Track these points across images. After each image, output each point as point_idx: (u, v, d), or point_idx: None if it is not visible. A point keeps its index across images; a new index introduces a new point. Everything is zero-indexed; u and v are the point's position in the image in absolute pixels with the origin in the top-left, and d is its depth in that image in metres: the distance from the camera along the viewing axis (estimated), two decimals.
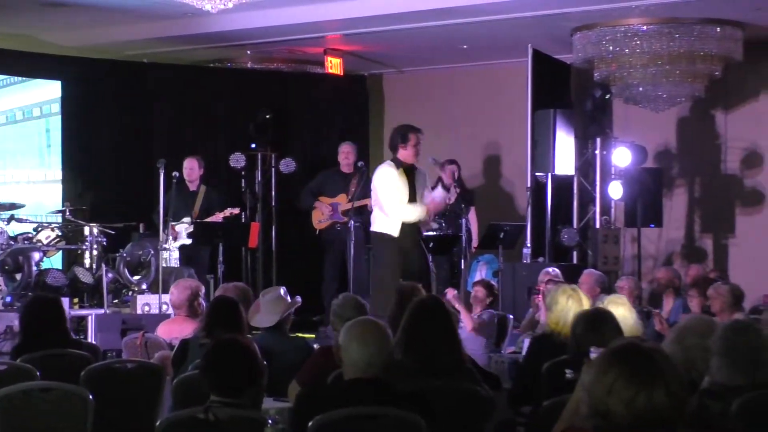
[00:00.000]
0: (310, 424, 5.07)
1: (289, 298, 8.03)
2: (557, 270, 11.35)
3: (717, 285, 9.63)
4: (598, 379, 3.55)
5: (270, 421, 5.23)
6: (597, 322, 6.12)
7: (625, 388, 3.49)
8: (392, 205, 10.38)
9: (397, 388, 5.33)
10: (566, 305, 7.20)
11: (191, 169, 13.85)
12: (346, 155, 14.33)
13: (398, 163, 10.51)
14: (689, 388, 3.70)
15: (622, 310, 6.90)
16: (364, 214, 12.92)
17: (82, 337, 11.40)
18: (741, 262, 14.67)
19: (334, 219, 14.07)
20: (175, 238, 13.35)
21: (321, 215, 14.13)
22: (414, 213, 10.41)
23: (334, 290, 13.20)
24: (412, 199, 10.51)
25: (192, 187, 13.86)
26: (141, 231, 13.91)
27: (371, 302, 10.04)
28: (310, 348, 7.86)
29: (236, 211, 13.93)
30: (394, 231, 10.42)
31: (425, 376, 5.88)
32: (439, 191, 10.79)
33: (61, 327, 7.70)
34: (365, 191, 12.46)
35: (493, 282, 11.81)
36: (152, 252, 12.86)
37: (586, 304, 7.29)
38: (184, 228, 13.43)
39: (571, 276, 11.11)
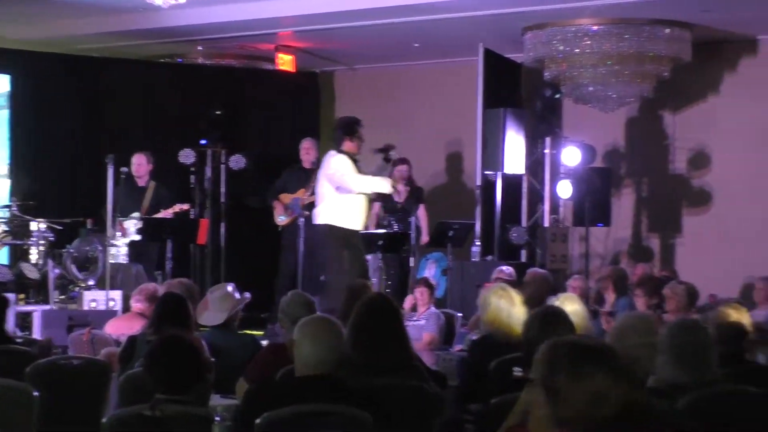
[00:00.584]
0: (257, 421, 5.06)
1: (237, 294, 8.02)
2: (511, 269, 11.38)
3: (673, 284, 9.70)
4: (549, 375, 3.53)
5: (217, 418, 5.23)
6: (551, 320, 6.14)
7: (574, 379, 3.48)
8: (353, 180, 10.76)
9: (347, 386, 5.33)
10: (498, 304, 7.23)
11: (140, 164, 13.77)
12: (307, 151, 14.23)
13: (345, 155, 10.74)
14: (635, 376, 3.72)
15: (574, 308, 6.93)
16: None
17: (27, 333, 11.32)
18: (688, 261, 14.77)
19: (296, 214, 13.93)
20: (123, 235, 13.27)
21: (282, 211, 14.01)
22: (377, 185, 11.01)
23: (287, 288, 13.16)
24: None
25: (141, 183, 13.78)
26: (88, 227, 13.81)
27: (329, 297, 10.09)
28: (258, 345, 7.85)
29: (186, 207, 13.87)
30: (346, 223, 10.59)
31: (373, 374, 5.88)
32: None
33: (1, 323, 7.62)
34: None
35: (433, 281, 11.84)
36: (100, 248, 12.79)
37: (518, 302, 7.31)
38: (132, 224, 13.34)
39: (520, 275, 11.15)
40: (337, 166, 10.87)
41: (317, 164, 13.70)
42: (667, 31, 13.60)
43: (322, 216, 10.94)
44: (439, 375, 7.04)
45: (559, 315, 6.27)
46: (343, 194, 10.91)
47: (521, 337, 7.00)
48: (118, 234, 13.10)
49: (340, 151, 10.84)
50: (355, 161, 10.92)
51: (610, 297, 10.24)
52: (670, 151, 15.25)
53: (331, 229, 10.76)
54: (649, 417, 4.79)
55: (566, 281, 12.06)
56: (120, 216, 13.10)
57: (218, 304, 7.84)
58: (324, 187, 10.98)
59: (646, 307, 9.62)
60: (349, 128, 10.93)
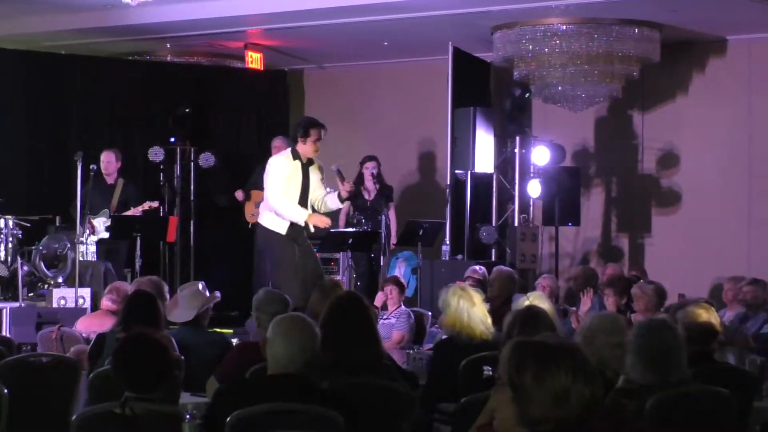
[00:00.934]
0: (228, 419, 5.05)
1: (207, 292, 8.01)
2: (483, 269, 11.39)
3: (642, 284, 9.72)
4: (515, 375, 3.54)
5: (188, 416, 5.22)
6: (531, 320, 6.15)
7: (538, 378, 3.49)
8: (274, 194, 10.54)
9: (316, 385, 5.33)
10: (458, 305, 7.24)
11: (108, 162, 13.72)
12: (278, 149, 14.07)
13: (295, 155, 10.59)
14: (605, 387, 3.73)
15: (543, 307, 6.95)
16: None
17: None
18: (657, 261, 14.83)
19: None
20: (93, 232, 13.22)
21: (254, 209, 13.90)
22: (292, 213, 10.57)
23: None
24: (304, 192, 10.69)
25: (109, 181, 13.73)
26: (57, 224, 13.76)
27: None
28: (227, 343, 7.86)
29: (155, 204, 13.85)
30: (282, 228, 10.52)
31: (343, 373, 5.88)
32: (333, 198, 10.85)
33: None
34: None
35: (403, 280, 11.85)
36: (69, 245, 12.73)
37: (478, 302, 7.32)
38: (102, 222, 13.30)
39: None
40: (270, 170, 10.71)
41: None
42: (636, 31, 13.65)
43: (263, 217, 10.88)
44: (411, 375, 7.06)
45: (540, 315, 6.29)
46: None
47: (486, 337, 7.05)
48: (87, 232, 13.05)
49: (293, 151, 10.72)
50: (308, 164, 10.69)
51: (587, 302, 10.23)
52: (640, 150, 15.30)
53: (271, 233, 10.72)
54: (614, 416, 4.83)
55: (536, 280, 12.08)
56: (89, 214, 13.05)
57: (188, 302, 7.83)
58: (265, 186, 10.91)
59: (615, 307, 9.65)
60: (302, 129, 10.65)
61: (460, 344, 7.11)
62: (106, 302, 8.93)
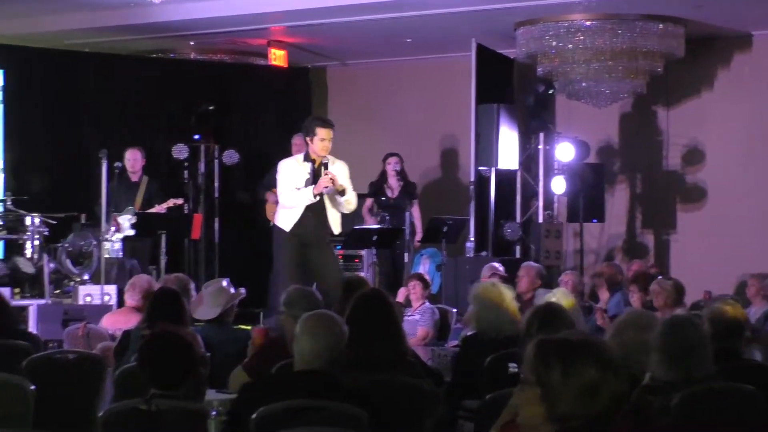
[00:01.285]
0: (253, 416, 5.07)
1: (232, 289, 8.02)
2: (502, 267, 11.38)
3: (660, 280, 9.69)
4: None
5: (213, 413, 5.23)
6: (551, 318, 6.14)
7: (565, 374, 3.49)
8: (281, 193, 10.49)
9: (341, 382, 5.34)
10: (486, 303, 7.24)
11: (134, 159, 13.76)
12: (299, 146, 14.01)
13: (306, 157, 10.53)
14: (630, 382, 3.72)
15: (569, 304, 6.94)
16: None
17: (22, 327, 11.30)
18: (682, 258, 14.79)
19: None
20: (118, 230, 13.26)
21: (275, 207, 13.80)
22: (298, 198, 10.38)
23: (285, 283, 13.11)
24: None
25: (134, 178, 13.77)
26: (82, 221, 13.81)
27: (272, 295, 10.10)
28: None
29: (180, 201, 13.89)
30: (287, 225, 10.47)
31: (367, 369, 5.88)
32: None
33: (2, 317, 7.62)
34: None
35: (427, 277, 11.85)
36: (94, 242, 12.78)
37: (508, 298, 7.32)
38: (126, 219, 13.34)
39: (514, 270, 11.17)
40: (279, 173, 10.66)
41: None
42: (660, 26, 13.61)
43: (275, 217, 10.91)
44: (435, 372, 7.05)
45: (559, 312, 6.28)
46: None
47: (513, 334, 7.03)
48: (113, 229, 13.10)
49: (305, 153, 10.61)
50: (316, 161, 10.49)
51: (604, 295, 10.22)
52: (664, 146, 15.26)
53: (277, 230, 10.72)
54: (640, 413, 4.82)
55: (559, 277, 12.06)
56: (114, 211, 13.09)
57: (213, 299, 7.85)
58: None
59: (641, 303, 9.63)
60: (307, 129, 10.51)
61: (486, 340, 7.10)
62: (127, 299, 8.96)
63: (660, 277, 10.46)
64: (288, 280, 9.78)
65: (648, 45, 13.61)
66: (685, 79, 14.84)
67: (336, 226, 10.67)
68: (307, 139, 10.47)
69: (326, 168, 10.45)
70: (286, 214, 10.58)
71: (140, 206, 13.50)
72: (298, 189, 10.41)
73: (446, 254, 13.27)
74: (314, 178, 10.42)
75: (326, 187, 10.31)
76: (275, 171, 11.01)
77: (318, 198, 10.40)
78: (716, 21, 13.91)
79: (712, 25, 14.03)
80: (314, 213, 10.46)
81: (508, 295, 7.36)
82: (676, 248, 15.13)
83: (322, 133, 10.39)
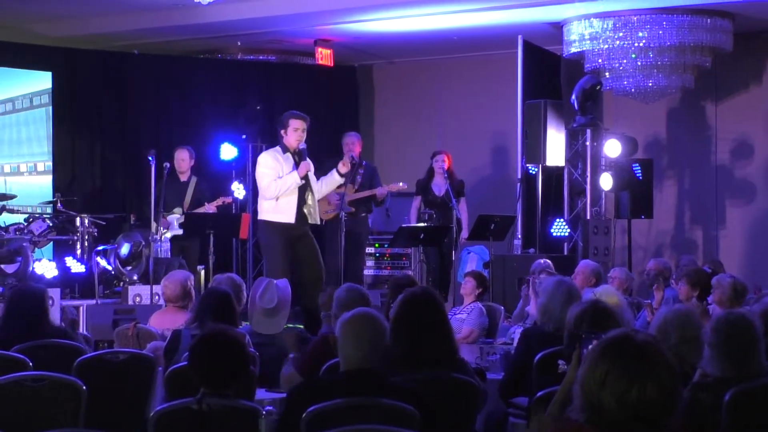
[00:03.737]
0: (303, 416, 5.08)
1: (286, 290, 8.03)
2: (549, 261, 11.32)
3: (721, 276, 9.60)
4: (590, 372, 3.53)
5: (264, 412, 5.25)
6: (597, 316, 6.12)
7: (618, 382, 3.47)
8: (265, 185, 10.80)
9: (389, 380, 5.35)
10: (555, 294, 7.21)
11: (182, 159, 13.81)
12: (349, 145, 13.89)
13: (284, 149, 10.98)
14: (682, 380, 3.69)
15: (614, 301, 6.91)
16: (365, 204, 13.31)
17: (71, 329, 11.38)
18: (731, 253, 14.69)
19: (339, 209, 13.74)
20: (166, 229, 13.32)
21: (327, 206, 13.75)
22: (284, 184, 10.80)
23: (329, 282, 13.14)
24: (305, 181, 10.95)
25: (183, 178, 13.83)
26: (132, 222, 13.90)
27: None
28: (304, 338, 7.87)
29: (229, 199, 13.95)
30: (284, 218, 10.77)
31: (416, 367, 5.88)
32: (331, 176, 11.23)
33: (44, 318, 7.65)
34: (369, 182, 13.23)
35: (484, 273, 11.82)
36: (143, 243, 12.85)
37: (576, 297, 7.29)
38: (175, 219, 13.40)
39: (563, 267, 11.13)
40: (258, 167, 10.99)
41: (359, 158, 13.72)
42: (708, 21, 13.53)
43: (260, 212, 11.05)
44: (479, 371, 7.03)
45: (606, 311, 6.25)
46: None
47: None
48: (162, 229, 13.16)
49: (281, 145, 10.89)
50: (298, 155, 10.94)
51: (659, 294, 10.11)
52: (712, 142, 15.17)
53: (267, 225, 10.87)
54: (692, 410, 4.80)
55: (607, 273, 12.01)
56: (163, 211, 13.16)
57: (271, 312, 7.87)
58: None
59: (689, 299, 9.56)
60: (283, 121, 11.00)
61: (546, 332, 7.05)
62: (166, 297, 8.95)
63: (721, 273, 10.34)
64: (282, 274, 9.98)
65: (696, 39, 13.53)
66: (734, 73, 14.74)
67: (317, 216, 11.21)
68: (282, 132, 10.96)
69: (305, 155, 11.02)
70: (277, 207, 10.84)
71: (189, 206, 13.56)
72: (280, 177, 10.80)
73: (493, 252, 13.24)
74: (297, 166, 10.94)
75: (308, 171, 10.94)
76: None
77: (303, 181, 10.93)
78: (764, 14, 13.80)
79: (761, 18, 13.92)
80: (298, 204, 10.91)
81: (575, 294, 7.34)
82: (725, 243, 15.03)
83: (295, 123, 10.94)
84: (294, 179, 10.82)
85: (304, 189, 11.02)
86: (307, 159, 11.04)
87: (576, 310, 6.27)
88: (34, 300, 7.64)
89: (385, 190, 13.16)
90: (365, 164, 13.54)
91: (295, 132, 10.89)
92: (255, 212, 15.07)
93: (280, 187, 10.80)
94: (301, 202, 10.99)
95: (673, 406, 3.51)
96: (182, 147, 13.95)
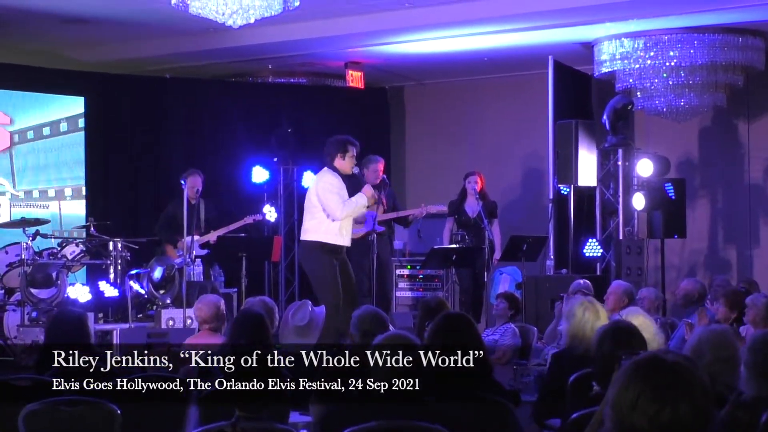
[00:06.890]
0: None
1: (319, 311, 8.04)
2: (588, 282, 11.26)
3: (755, 295, 9.55)
4: (621, 393, 3.50)
5: None
6: (623, 336, 6.10)
7: (650, 403, 3.44)
8: (337, 205, 10.71)
9: (422, 401, 5.33)
10: (583, 317, 7.18)
11: (195, 186, 13.58)
12: (375, 172, 13.88)
13: (336, 171, 10.92)
14: (715, 400, 3.66)
15: (639, 321, 6.87)
16: (388, 224, 13.27)
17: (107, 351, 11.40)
18: (765, 272, 14.60)
19: (369, 230, 13.70)
20: (188, 252, 13.32)
21: (355, 224, 13.73)
22: (356, 203, 10.83)
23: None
24: None
25: (193, 202, 13.71)
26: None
27: (327, 315, 10.13)
28: None
29: (259, 217, 13.90)
30: (332, 239, 10.72)
31: (450, 388, 5.86)
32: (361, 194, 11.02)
33: (87, 341, 7.69)
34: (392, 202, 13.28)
35: (517, 294, 11.80)
36: (176, 266, 12.89)
37: (603, 317, 7.27)
38: (195, 240, 13.37)
39: (595, 288, 11.08)
40: (319, 188, 10.87)
41: (382, 181, 13.65)
42: (740, 39, 13.50)
43: (311, 233, 10.90)
44: (513, 392, 7.01)
45: (631, 330, 6.23)
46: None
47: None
48: (180, 252, 13.11)
49: (332, 168, 10.89)
50: (346, 179, 10.96)
51: (704, 318, 10.02)
52: (745, 161, 15.11)
53: (322, 246, 10.77)
54: (729, 430, 4.75)
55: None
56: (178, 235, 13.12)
57: (303, 331, 7.87)
58: (311, 202, 10.97)
59: (725, 319, 9.50)
60: (341, 146, 10.95)
61: (576, 355, 7.03)
62: (199, 320, 8.97)
63: (756, 293, 10.28)
64: (337, 294, 10.08)
65: (727, 58, 13.51)
66: (766, 91, 14.68)
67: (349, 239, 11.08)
68: (339, 155, 10.92)
69: (364, 180, 11.31)
70: (330, 228, 10.79)
71: (204, 228, 13.53)
72: (347, 202, 10.81)
73: (526, 272, 13.21)
74: (350, 189, 10.95)
75: (370, 195, 11.00)
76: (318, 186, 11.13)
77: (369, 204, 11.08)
78: None
79: None
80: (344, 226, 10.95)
81: (603, 313, 7.31)
82: (759, 263, 14.96)
83: (353, 150, 10.98)
84: (363, 202, 10.89)
85: None
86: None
87: (600, 331, 6.25)
88: (75, 324, 7.67)
89: (424, 211, 13.17)
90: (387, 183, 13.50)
91: (352, 159, 10.96)
92: (287, 234, 15.29)
93: (351, 207, 10.82)
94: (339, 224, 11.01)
95: (707, 427, 3.48)
96: (195, 172, 13.73)
